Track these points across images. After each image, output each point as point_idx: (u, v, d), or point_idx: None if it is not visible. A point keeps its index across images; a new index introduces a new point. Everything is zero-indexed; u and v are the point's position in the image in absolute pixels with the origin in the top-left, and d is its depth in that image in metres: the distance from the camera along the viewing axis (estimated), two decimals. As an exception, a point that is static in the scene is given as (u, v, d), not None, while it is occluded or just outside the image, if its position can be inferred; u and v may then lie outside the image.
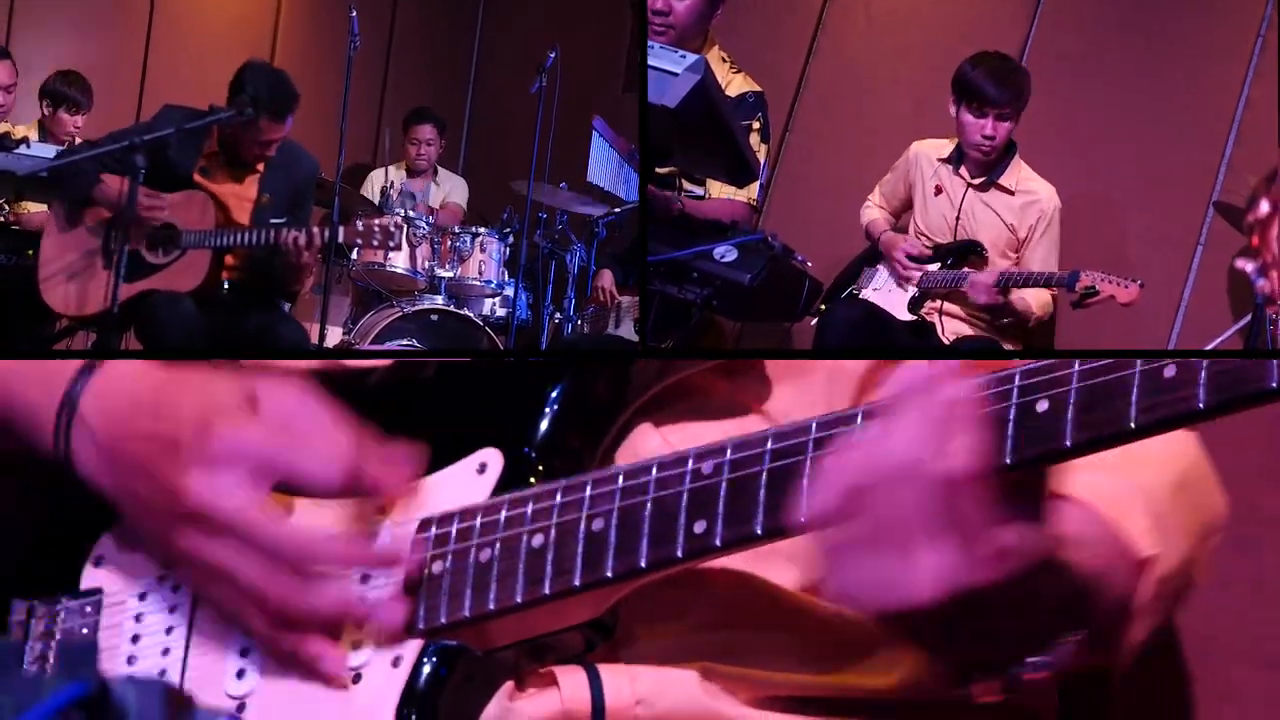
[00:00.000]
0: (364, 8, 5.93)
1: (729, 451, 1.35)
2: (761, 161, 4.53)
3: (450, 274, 5.92)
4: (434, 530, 1.45)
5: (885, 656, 1.54)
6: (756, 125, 4.51)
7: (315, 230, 4.84)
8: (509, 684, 1.46)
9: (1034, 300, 4.54)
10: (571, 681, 1.47)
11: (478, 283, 6.01)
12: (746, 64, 4.65)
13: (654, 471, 1.38)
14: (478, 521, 1.44)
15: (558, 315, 6.13)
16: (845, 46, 5.95)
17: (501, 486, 1.46)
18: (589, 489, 1.40)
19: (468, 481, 1.47)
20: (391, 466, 1.45)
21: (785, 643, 1.53)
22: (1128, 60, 5.28)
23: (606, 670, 1.48)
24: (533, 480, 1.46)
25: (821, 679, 1.54)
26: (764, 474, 1.33)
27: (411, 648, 1.42)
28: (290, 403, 1.47)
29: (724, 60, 4.53)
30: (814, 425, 1.32)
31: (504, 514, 1.43)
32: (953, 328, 4.62)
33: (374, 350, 5.45)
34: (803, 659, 1.53)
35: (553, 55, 6.01)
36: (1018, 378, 1.24)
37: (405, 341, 5.62)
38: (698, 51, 3.93)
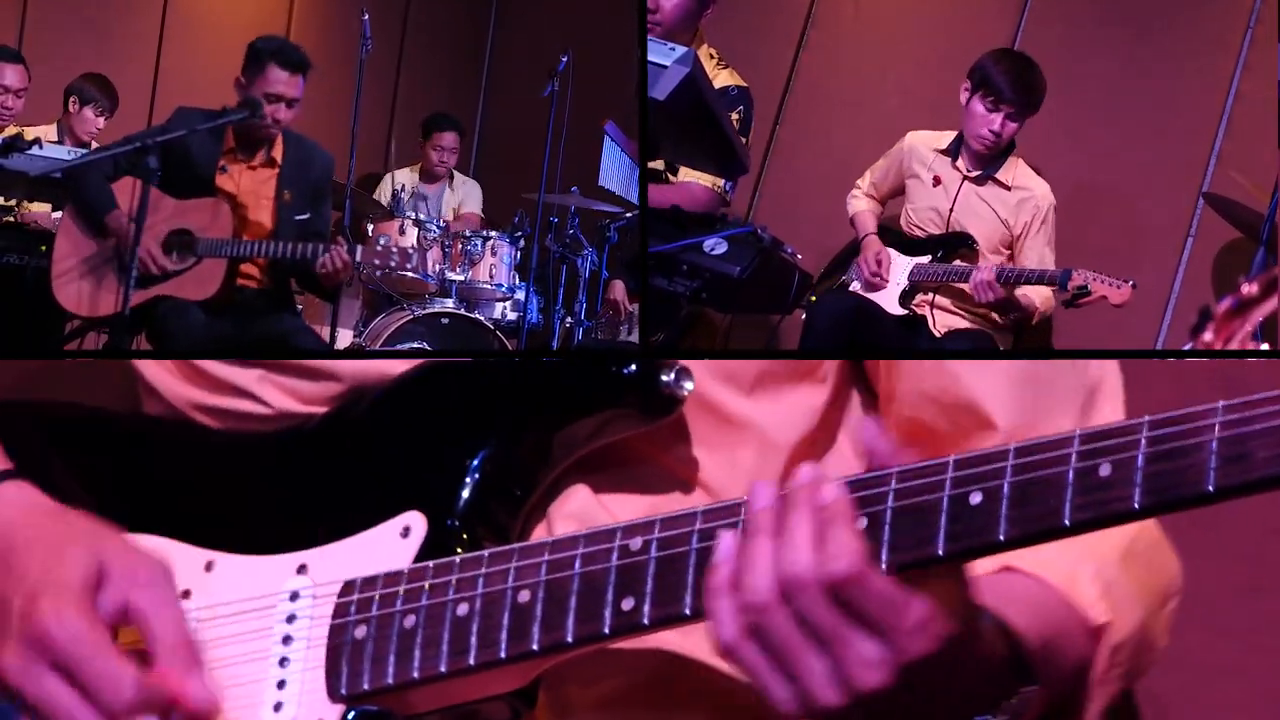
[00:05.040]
0: (376, 10, 5.97)
1: (657, 529, 1.34)
2: (743, 156, 4.53)
3: (461, 277, 5.92)
4: (357, 594, 1.44)
5: None
6: (735, 118, 4.52)
7: (342, 245, 4.84)
8: (433, 752, 1.44)
9: (1036, 296, 4.53)
10: None
11: (489, 286, 6.00)
12: (736, 57, 4.67)
13: (581, 546, 1.36)
14: (401, 587, 1.42)
15: (569, 319, 6.13)
16: (835, 39, 5.95)
17: (425, 552, 1.45)
18: (515, 560, 1.38)
19: (391, 545, 1.46)
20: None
21: (713, 717, 1.52)
22: (1117, 53, 5.27)
23: None
24: (458, 548, 1.45)
25: None
26: (692, 554, 1.31)
27: (333, 713, 1.41)
28: (127, 588, 1.43)
29: (711, 56, 4.56)
30: (743, 506, 1.31)
31: (429, 581, 1.41)
32: (945, 321, 4.61)
33: (385, 351, 5.47)
34: None
35: (565, 59, 6.03)
36: (951, 468, 1.23)
37: (416, 344, 5.63)
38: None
